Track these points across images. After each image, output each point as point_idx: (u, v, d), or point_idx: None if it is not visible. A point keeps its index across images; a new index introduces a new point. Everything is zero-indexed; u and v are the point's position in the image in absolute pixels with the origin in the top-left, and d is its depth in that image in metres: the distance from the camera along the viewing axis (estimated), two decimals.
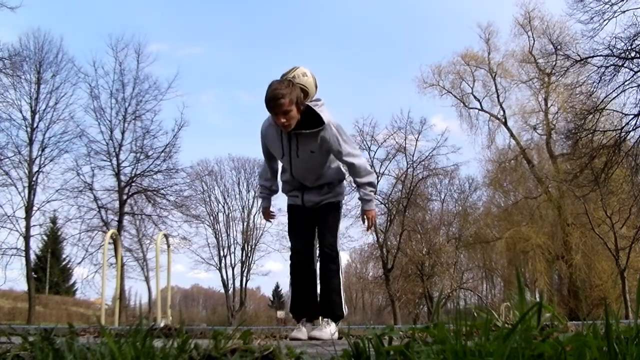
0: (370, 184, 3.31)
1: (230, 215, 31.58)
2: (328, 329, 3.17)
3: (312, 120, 3.11)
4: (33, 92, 19.71)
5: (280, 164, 3.49)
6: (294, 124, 3.07)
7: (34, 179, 19.22)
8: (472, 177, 29.79)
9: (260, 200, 3.74)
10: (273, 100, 2.97)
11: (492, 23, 26.26)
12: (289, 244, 3.49)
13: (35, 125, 19.52)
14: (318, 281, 3.33)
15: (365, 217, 3.35)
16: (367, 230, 3.45)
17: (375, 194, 3.40)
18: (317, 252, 3.37)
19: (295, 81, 3.10)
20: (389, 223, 25.73)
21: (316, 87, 3.23)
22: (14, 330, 1.60)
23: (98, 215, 20.46)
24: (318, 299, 3.32)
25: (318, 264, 3.32)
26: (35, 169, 19.37)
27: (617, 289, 20.26)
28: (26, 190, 19.06)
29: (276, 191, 3.60)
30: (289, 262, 3.39)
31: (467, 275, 29.65)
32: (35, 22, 41.16)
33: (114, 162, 20.64)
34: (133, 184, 20.85)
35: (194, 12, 61.01)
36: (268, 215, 3.69)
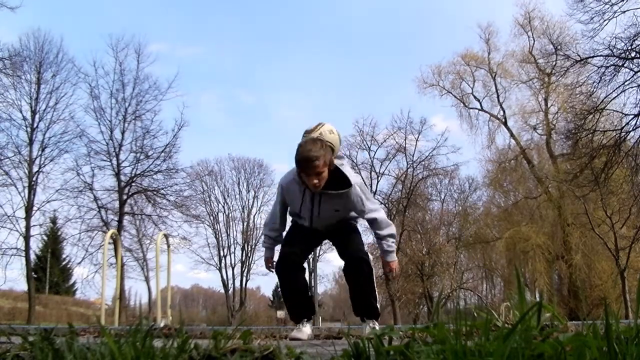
0: (392, 236, 3.34)
1: (230, 215, 31.66)
2: (377, 326, 3.25)
3: (337, 179, 3.09)
4: (33, 92, 19.75)
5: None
6: (323, 184, 3.04)
7: (34, 179, 19.24)
8: (472, 177, 29.84)
9: (263, 250, 3.64)
10: (308, 161, 2.92)
11: (492, 23, 26.34)
12: (283, 248, 3.36)
13: (35, 125, 19.55)
14: (351, 285, 3.33)
15: (389, 268, 3.39)
16: (393, 278, 3.48)
17: (395, 244, 3.43)
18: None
19: (323, 139, 3.07)
20: None
21: (340, 143, 3.24)
22: (14, 330, 1.60)
23: (98, 215, 20.50)
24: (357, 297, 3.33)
25: (347, 268, 3.29)
26: (35, 169, 19.41)
27: (617, 289, 20.26)
28: (26, 190, 19.09)
29: (280, 242, 3.51)
30: (280, 265, 3.27)
31: (467, 275, 29.68)
32: (35, 22, 41.26)
33: (114, 162, 20.67)
34: (133, 184, 20.86)
35: (194, 12, 61.09)
36: (271, 265, 3.58)
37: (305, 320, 3.28)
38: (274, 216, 3.46)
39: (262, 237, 3.65)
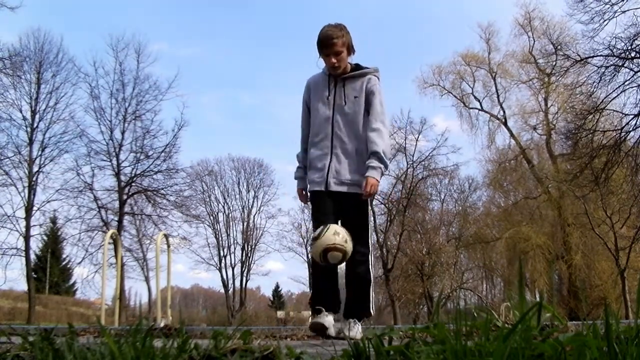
0: (376, 154, 3.14)
1: (230, 215, 31.66)
2: (359, 327, 3.13)
3: (359, 70, 3.25)
4: (33, 92, 19.72)
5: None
6: (343, 67, 3.17)
7: (34, 179, 19.22)
8: (472, 177, 29.83)
9: (296, 182, 3.44)
10: (328, 39, 3.08)
11: (492, 23, 26.27)
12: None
13: (35, 125, 19.53)
14: (346, 280, 3.21)
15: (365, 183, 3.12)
16: (365, 197, 3.12)
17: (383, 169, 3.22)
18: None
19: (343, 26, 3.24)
20: (389, 223, 25.72)
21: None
22: (14, 330, 1.60)
23: (98, 215, 20.47)
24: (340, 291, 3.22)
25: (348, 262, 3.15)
26: (35, 169, 19.39)
27: (617, 289, 20.27)
28: (26, 190, 19.07)
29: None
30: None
31: (467, 275, 29.65)
32: (35, 22, 41.12)
33: (114, 162, 20.64)
34: (133, 184, 20.85)
35: (195, 12, 61.08)
36: (304, 197, 3.42)
37: (328, 312, 3.08)
38: (302, 128, 3.43)
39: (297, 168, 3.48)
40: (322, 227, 2.97)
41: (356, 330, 3.11)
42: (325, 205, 3.21)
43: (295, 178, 3.47)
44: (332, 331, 3.04)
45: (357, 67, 3.26)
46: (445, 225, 29.37)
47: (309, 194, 3.36)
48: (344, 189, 3.18)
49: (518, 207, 25.01)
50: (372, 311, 3.22)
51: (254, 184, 31.75)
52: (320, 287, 3.23)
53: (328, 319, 3.03)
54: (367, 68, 3.26)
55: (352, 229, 3.08)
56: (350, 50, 3.18)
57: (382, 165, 3.14)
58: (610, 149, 14.20)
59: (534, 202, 24.16)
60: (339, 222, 3.22)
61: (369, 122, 3.18)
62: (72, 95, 20.22)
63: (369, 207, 3.26)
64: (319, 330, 2.99)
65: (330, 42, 3.06)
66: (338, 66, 3.13)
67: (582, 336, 0.87)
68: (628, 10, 13.29)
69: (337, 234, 2.91)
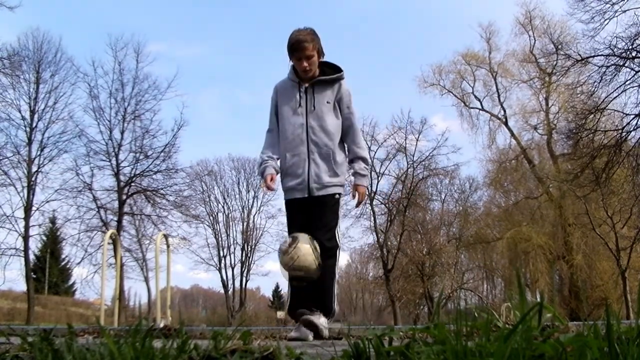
0: (366, 160, 3.38)
1: (230, 215, 31.62)
2: (324, 321, 3.05)
3: (329, 71, 3.31)
4: (32, 92, 19.76)
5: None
6: (315, 70, 3.23)
7: (33, 179, 19.24)
8: (473, 177, 29.84)
9: (266, 170, 3.26)
10: (299, 42, 3.13)
11: (493, 22, 26.30)
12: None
13: (34, 125, 19.56)
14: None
15: (356, 192, 3.33)
16: (357, 206, 3.42)
17: (368, 171, 3.44)
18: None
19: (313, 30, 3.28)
20: (389, 223, 25.72)
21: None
22: (13, 331, 1.59)
23: (97, 216, 20.50)
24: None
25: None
26: (34, 168, 19.42)
27: (618, 290, 20.26)
28: (25, 190, 19.09)
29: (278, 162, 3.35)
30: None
31: (467, 275, 29.67)
32: (34, 21, 41.26)
33: (113, 162, 20.67)
34: (132, 184, 20.86)
35: (194, 12, 61.13)
36: (272, 182, 3.25)
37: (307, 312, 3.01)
38: (270, 130, 3.39)
39: (259, 164, 3.35)
40: (293, 244, 3.00)
41: (324, 320, 3.05)
42: (303, 215, 3.25)
43: (262, 167, 3.30)
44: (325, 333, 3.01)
45: (326, 67, 3.31)
46: (445, 226, 29.39)
47: (284, 201, 3.35)
48: (324, 192, 3.25)
49: (519, 207, 25.00)
50: (334, 308, 3.19)
51: (254, 184, 31.72)
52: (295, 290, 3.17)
53: (304, 330, 2.99)
54: (337, 72, 3.31)
55: (324, 226, 3.19)
56: (320, 54, 3.25)
57: (368, 171, 3.40)
58: (611, 149, 14.19)
59: (534, 202, 24.15)
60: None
61: (350, 127, 3.34)
62: (71, 94, 20.33)
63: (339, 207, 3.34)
64: (311, 327, 2.97)
65: (302, 46, 3.12)
66: (310, 69, 3.19)
67: (583, 337, 0.87)
68: (629, 9, 13.32)
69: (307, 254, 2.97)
